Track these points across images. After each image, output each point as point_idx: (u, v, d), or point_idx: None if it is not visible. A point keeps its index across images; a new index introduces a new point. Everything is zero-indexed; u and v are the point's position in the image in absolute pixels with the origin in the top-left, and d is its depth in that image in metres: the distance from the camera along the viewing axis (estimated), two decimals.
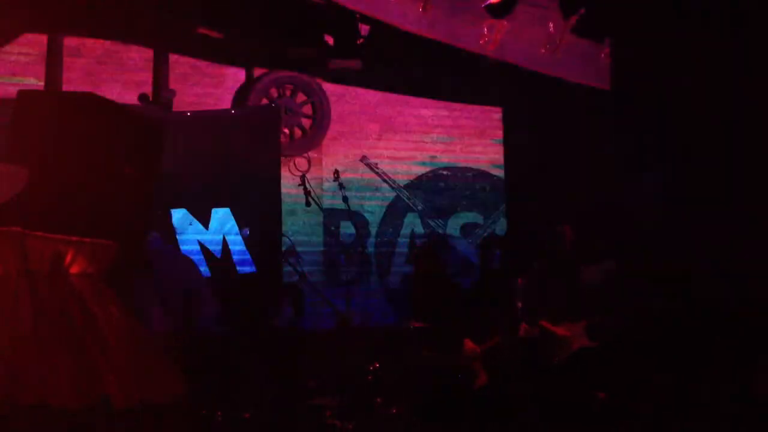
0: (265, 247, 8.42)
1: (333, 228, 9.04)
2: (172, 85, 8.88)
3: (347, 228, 9.15)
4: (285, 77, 9.37)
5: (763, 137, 7.54)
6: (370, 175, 9.79)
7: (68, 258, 3.93)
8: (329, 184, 9.06)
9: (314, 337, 8.04)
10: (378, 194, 9.85)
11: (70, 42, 8.51)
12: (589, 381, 6.83)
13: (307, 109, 9.47)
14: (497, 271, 7.61)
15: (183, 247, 8.22)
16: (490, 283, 7.64)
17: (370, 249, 9.61)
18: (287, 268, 8.02)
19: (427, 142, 10.09)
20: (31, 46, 8.41)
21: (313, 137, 9.48)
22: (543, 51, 8.58)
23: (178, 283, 6.56)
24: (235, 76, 9.27)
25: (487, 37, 8.25)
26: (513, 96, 9.85)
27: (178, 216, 8.28)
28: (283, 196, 8.71)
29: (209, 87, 9.15)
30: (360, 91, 9.81)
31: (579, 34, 8.67)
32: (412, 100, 10.03)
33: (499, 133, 10.38)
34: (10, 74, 8.30)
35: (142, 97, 8.63)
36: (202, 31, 8.70)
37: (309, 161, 9.34)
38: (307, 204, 7.24)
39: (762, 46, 7.56)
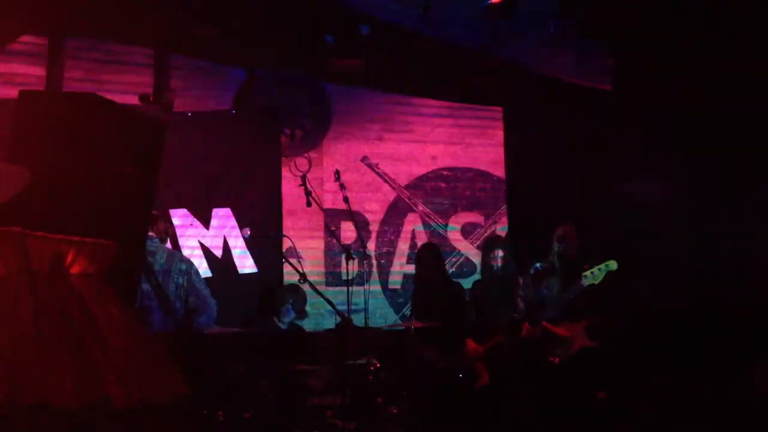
0: (266, 248, 8.43)
1: (334, 228, 9.04)
2: (173, 86, 8.87)
3: (348, 228, 9.15)
4: (286, 77, 9.37)
5: (764, 137, 7.54)
6: (370, 176, 9.80)
7: (69, 258, 3.92)
8: (330, 185, 9.07)
9: (315, 337, 8.05)
10: (379, 195, 9.85)
11: (71, 42, 8.51)
12: (590, 381, 6.83)
13: (308, 109, 9.48)
14: (499, 270, 7.60)
15: (183, 248, 8.23)
16: (493, 283, 7.64)
17: (371, 249, 9.61)
18: (288, 269, 8.02)
19: (427, 143, 10.09)
20: (31, 46, 8.41)
21: (314, 137, 9.49)
22: (544, 51, 8.58)
23: (177, 284, 6.55)
24: (236, 76, 9.27)
25: (488, 37, 8.25)
26: (514, 96, 9.85)
27: (179, 216, 8.29)
28: (283, 196, 8.72)
29: (210, 87, 9.16)
30: (361, 91, 9.81)
31: (580, 33, 8.68)
32: (412, 100, 10.03)
33: (500, 134, 10.38)
34: (11, 75, 8.31)
35: (143, 98, 8.62)
36: (203, 31, 8.68)
37: (309, 161, 9.34)
38: (308, 204, 7.24)
39: (762, 46, 7.56)
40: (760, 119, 7.58)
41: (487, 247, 7.90)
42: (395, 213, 9.91)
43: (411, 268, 9.47)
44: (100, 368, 3.75)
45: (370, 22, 8.38)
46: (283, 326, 7.65)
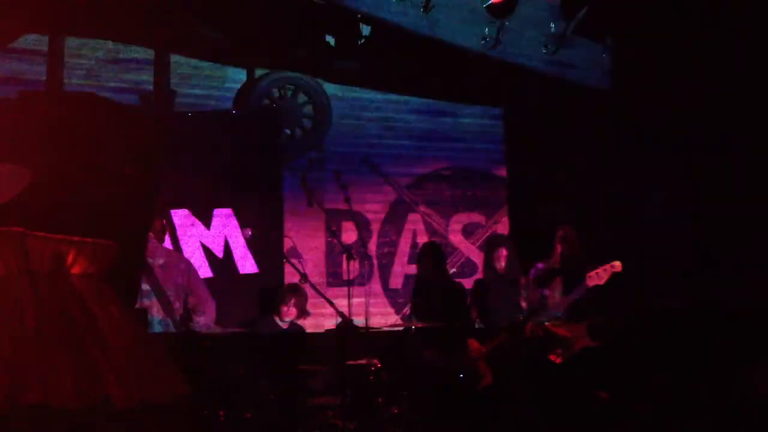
0: (267, 248, 8.43)
1: (334, 229, 9.03)
2: (173, 86, 8.89)
3: (349, 229, 9.15)
4: (286, 78, 9.37)
5: (764, 137, 7.54)
6: (371, 176, 9.79)
7: (69, 258, 3.93)
8: (331, 185, 9.06)
9: (316, 337, 8.04)
10: (380, 195, 9.84)
11: (71, 42, 8.52)
12: (591, 381, 6.83)
13: (308, 110, 9.48)
14: (503, 270, 7.59)
15: (184, 248, 8.23)
16: (495, 283, 7.63)
17: (372, 249, 9.61)
18: (289, 269, 8.02)
19: (428, 143, 10.09)
20: (32, 46, 8.41)
21: (315, 138, 9.49)
22: (545, 51, 8.59)
23: (177, 285, 6.56)
24: (236, 76, 9.28)
25: (488, 37, 8.25)
26: (514, 96, 9.85)
27: (180, 216, 8.29)
28: (284, 197, 8.72)
29: (210, 88, 9.16)
30: (361, 91, 9.81)
31: (580, 33, 8.68)
32: (413, 100, 10.03)
33: (501, 134, 10.38)
34: (12, 75, 8.31)
35: (143, 98, 8.64)
36: (203, 31, 8.70)
37: (310, 162, 9.34)
38: (309, 204, 7.25)
39: (763, 46, 7.56)
40: (760, 119, 7.57)
41: (491, 246, 7.88)
42: (396, 213, 9.90)
43: (412, 269, 9.47)
44: (100, 368, 3.76)
45: (370, 23, 8.39)
46: (284, 325, 7.65)
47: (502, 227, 10.15)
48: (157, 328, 6.31)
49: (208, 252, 8.41)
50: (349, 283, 7.27)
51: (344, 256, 7.51)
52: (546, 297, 7.28)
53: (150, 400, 3.89)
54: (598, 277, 6.90)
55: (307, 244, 9.19)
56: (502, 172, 10.33)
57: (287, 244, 8.27)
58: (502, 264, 7.60)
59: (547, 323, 6.99)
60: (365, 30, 8.68)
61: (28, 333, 3.65)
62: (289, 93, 9.40)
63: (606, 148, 8.80)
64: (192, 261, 7.73)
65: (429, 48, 8.42)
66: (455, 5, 8.12)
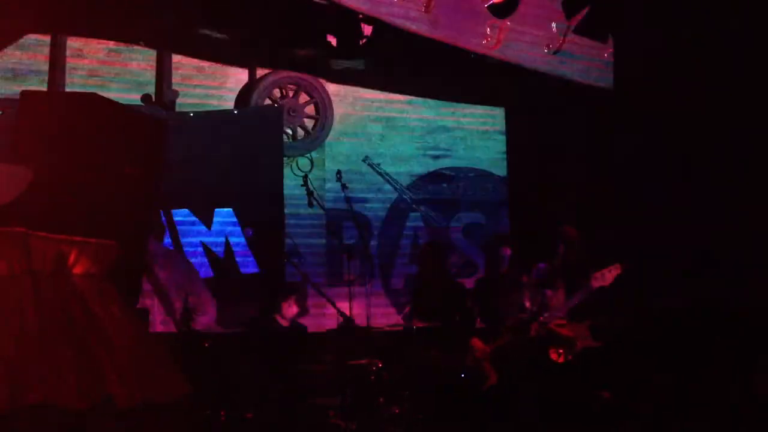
0: (268, 248, 8.43)
1: (335, 228, 9.04)
2: (175, 86, 8.89)
3: (350, 228, 9.15)
4: (288, 78, 9.38)
5: (764, 136, 7.53)
6: (372, 176, 9.80)
7: (71, 258, 3.93)
8: (332, 185, 9.07)
9: (317, 337, 8.05)
10: (380, 194, 9.85)
11: (73, 42, 8.53)
12: (593, 381, 6.83)
13: (310, 110, 9.48)
14: (506, 269, 7.56)
15: (186, 248, 8.24)
16: (497, 282, 7.60)
17: (373, 249, 9.61)
18: (290, 269, 8.03)
19: (429, 143, 10.09)
20: (34, 46, 8.42)
21: (316, 137, 9.49)
22: (546, 51, 8.59)
23: (178, 284, 6.56)
24: (238, 76, 9.28)
25: (489, 37, 8.26)
26: (515, 96, 9.86)
27: (181, 216, 8.29)
28: (285, 197, 8.72)
29: (212, 88, 9.16)
30: (363, 91, 9.82)
31: (582, 33, 8.68)
32: (414, 100, 10.04)
33: (502, 134, 10.39)
34: (14, 75, 8.32)
35: (145, 98, 8.65)
36: (205, 31, 8.70)
37: (311, 161, 9.34)
38: (310, 204, 7.24)
39: (763, 45, 7.56)
40: (760, 118, 7.57)
41: (494, 245, 7.83)
42: (397, 213, 9.91)
43: (413, 268, 9.48)
44: (102, 368, 3.77)
45: (371, 22, 8.39)
46: (285, 323, 7.65)
47: (503, 227, 10.15)
48: (159, 328, 6.31)
49: (209, 252, 8.41)
50: (350, 283, 7.27)
51: (345, 255, 7.52)
52: (549, 297, 7.28)
53: (151, 400, 3.89)
54: (603, 278, 6.90)
55: (308, 244, 9.19)
56: (503, 172, 10.34)
57: (288, 244, 8.27)
58: (505, 264, 7.57)
59: (550, 324, 6.98)
60: (366, 30, 8.68)
61: (31, 333, 3.65)
62: (291, 93, 9.41)
63: (607, 147, 8.80)
64: (193, 261, 7.74)
65: (430, 48, 8.42)
66: (456, 5, 8.12)
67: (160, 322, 6.34)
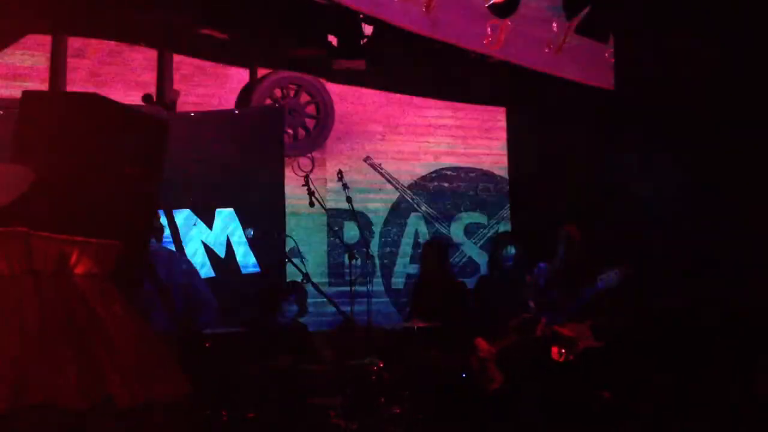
0: (269, 248, 8.43)
1: (336, 228, 9.05)
2: (176, 86, 8.90)
3: (351, 228, 9.16)
4: (289, 77, 9.38)
5: (765, 136, 7.53)
6: (373, 176, 9.81)
7: (73, 258, 3.93)
8: (333, 185, 9.08)
9: (318, 337, 8.05)
10: (382, 195, 9.86)
11: (74, 42, 8.53)
12: (594, 381, 6.83)
13: (311, 110, 9.49)
14: (511, 268, 7.53)
15: (187, 248, 8.24)
16: (501, 281, 7.58)
17: (374, 249, 9.62)
18: (291, 269, 8.02)
19: (430, 143, 10.10)
20: (34, 46, 8.43)
21: (317, 138, 9.49)
22: (547, 51, 8.59)
23: (179, 284, 6.56)
24: (239, 76, 9.29)
25: (490, 37, 8.26)
26: (517, 96, 9.86)
27: (182, 216, 8.29)
28: (286, 197, 8.72)
29: (213, 87, 9.17)
30: (364, 91, 9.83)
31: (583, 33, 8.68)
32: (415, 100, 10.05)
33: (503, 134, 10.40)
34: (14, 75, 8.33)
35: (146, 98, 8.65)
36: (206, 31, 8.71)
37: (312, 161, 9.34)
38: (311, 204, 7.24)
39: (764, 44, 7.56)
40: (761, 118, 7.57)
41: (499, 243, 7.78)
42: (398, 213, 9.92)
43: (414, 268, 9.50)
44: (104, 368, 3.77)
45: (372, 22, 8.39)
46: (284, 321, 7.64)
47: (504, 227, 10.16)
48: (161, 328, 6.30)
49: (210, 252, 8.41)
50: (351, 283, 7.28)
51: (346, 255, 7.52)
52: (554, 297, 7.28)
53: (154, 400, 3.89)
54: (609, 279, 6.90)
55: (309, 244, 9.19)
56: (504, 171, 10.35)
57: (289, 244, 8.26)
58: (510, 262, 7.53)
59: (553, 323, 6.99)
60: (367, 30, 8.68)
61: (32, 333, 3.65)
62: (292, 93, 9.41)
63: (608, 147, 8.80)
64: (194, 261, 7.73)
65: (431, 48, 8.43)
66: (457, 5, 8.12)
67: (161, 322, 6.33)
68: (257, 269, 8.51)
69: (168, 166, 5.08)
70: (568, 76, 8.75)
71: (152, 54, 8.85)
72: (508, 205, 10.30)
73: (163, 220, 7.70)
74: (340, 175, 7.49)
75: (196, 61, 9.06)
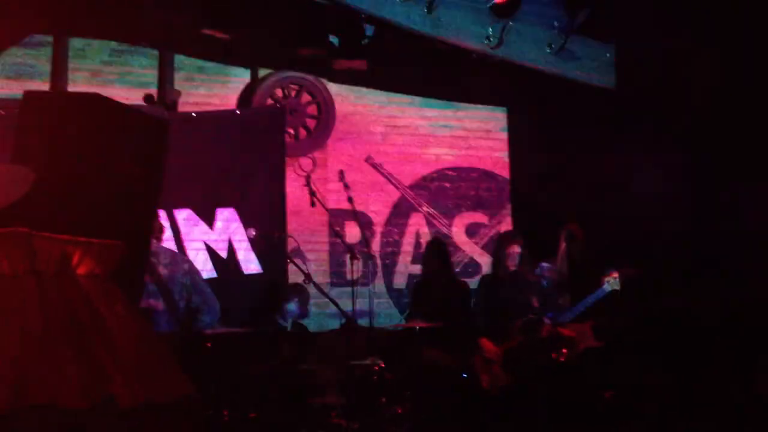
0: (270, 248, 8.43)
1: (338, 228, 9.05)
2: (177, 86, 8.90)
3: (352, 228, 9.15)
4: (290, 78, 9.38)
5: (766, 135, 7.53)
6: (374, 176, 9.81)
7: (75, 258, 3.93)
8: (334, 185, 9.08)
9: (319, 337, 8.05)
10: (383, 194, 9.86)
11: (75, 43, 8.53)
12: (596, 381, 6.83)
13: (312, 110, 9.49)
14: (515, 267, 7.49)
15: (188, 248, 8.24)
16: (505, 281, 7.54)
17: (375, 249, 9.61)
18: (292, 269, 8.03)
19: (431, 143, 10.10)
20: (36, 46, 8.43)
21: (318, 138, 9.50)
22: (548, 51, 8.59)
23: (180, 284, 6.56)
24: (240, 76, 9.29)
25: (491, 37, 8.26)
26: (518, 96, 9.86)
27: (183, 216, 8.29)
28: (288, 197, 8.73)
29: (214, 87, 9.17)
30: (365, 91, 9.83)
31: (584, 33, 8.68)
32: (416, 100, 10.05)
33: (504, 134, 10.39)
34: (16, 75, 8.33)
35: (147, 98, 8.65)
36: (207, 31, 8.71)
37: (314, 161, 9.34)
38: (312, 204, 7.26)
39: (764, 45, 7.56)
40: (762, 117, 7.56)
41: (504, 242, 7.68)
42: (399, 213, 9.91)
43: (415, 268, 9.50)
44: (106, 368, 3.77)
45: (373, 22, 8.40)
46: (286, 324, 7.65)
47: (505, 227, 10.15)
48: (163, 328, 6.31)
49: (211, 252, 8.42)
50: (353, 283, 7.28)
51: (348, 255, 7.52)
52: (557, 298, 7.28)
53: (155, 400, 3.89)
54: (615, 281, 6.90)
55: (310, 244, 9.19)
56: (506, 171, 10.34)
57: (291, 244, 8.27)
58: (515, 261, 7.46)
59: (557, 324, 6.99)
60: (369, 30, 8.68)
61: (34, 333, 3.65)
62: (293, 93, 9.41)
63: (609, 147, 8.79)
64: (195, 261, 7.73)
65: (432, 47, 8.43)
66: (459, 5, 8.12)
67: (163, 322, 6.34)
68: (258, 269, 8.51)
69: (169, 167, 5.08)
70: (569, 75, 8.75)
71: (153, 54, 8.85)
72: (509, 205, 10.29)
73: (164, 221, 7.71)
74: (342, 175, 7.50)
75: (198, 62, 9.06)
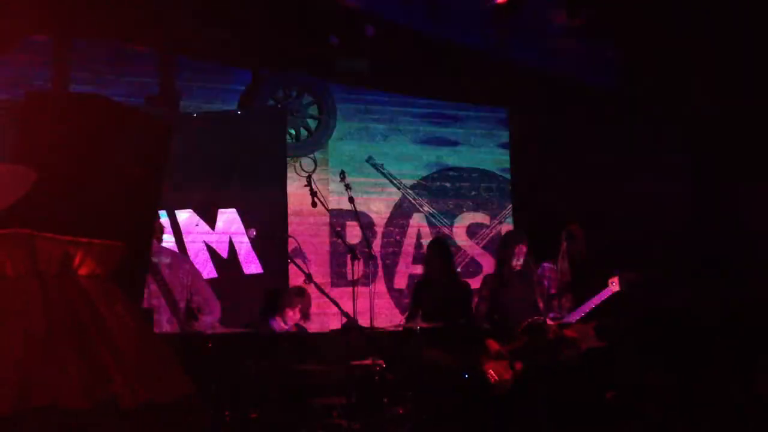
0: (271, 248, 8.44)
1: (339, 229, 9.05)
2: (179, 87, 8.90)
3: (353, 229, 9.16)
4: (291, 78, 9.39)
5: (766, 138, 7.54)
6: (376, 176, 9.81)
7: (77, 259, 3.93)
8: (335, 185, 9.09)
9: (320, 337, 8.05)
10: (384, 195, 9.86)
11: (77, 43, 8.54)
12: (598, 381, 6.83)
13: (313, 110, 9.50)
14: (519, 267, 7.46)
15: (189, 248, 8.25)
16: (509, 280, 7.52)
17: (377, 250, 9.62)
18: (293, 269, 8.03)
19: (432, 143, 10.10)
20: (38, 47, 8.44)
21: (319, 138, 9.51)
22: (549, 51, 8.59)
23: (182, 284, 6.57)
24: (242, 77, 9.30)
25: (492, 37, 8.27)
26: (519, 96, 9.86)
27: (184, 217, 8.30)
28: (289, 197, 8.74)
29: (216, 88, 9.18)
30: (366, 91, 9.83)
31: (585, 33, 8.68)
32: (417, 100, 10.05)
33: (505, 134, 10.40)
34: (17, 76, 8.33)
35: (149, 99, 8.66)
36: (209, 32, 8.71)
37: (315, 162, 9.35)
38: (313, 204, 7.24)
39: (764, 45, 7.56)
40: (762, 117, 7.57)
41: (509, 242, 7.62)
42: (400, 213, 9.92)
43: (416, 269, 9.51)
44: (108, 369, 3.77)
45: (374, 23, 8.40)
46: (287, 327, 7.65)
47: (506, 227, 10.16)
48: (165, 328, 6.32)
49: (212, 252, 8.43)
50: (354, 284, 7.28)
51: (348, 256, 7.52)
52: (560, 299, 7.27)
53: (157, 400, 3.89)
54: (618, 283, 6.90)
55: (311, 244, 9.20)
56: (507, 172, 10.35)
57: (292, 244, 8.27)
58: (520, 261, 7.41)
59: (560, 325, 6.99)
60: (370, 30, 8.68)
61: (37, 334, 3.65)
62: (294, 93, 9.42)
63: (610, 148, 8.81)
64: (196, 261, 7.75)
65: (433, 48, 8.44)
66: (460, 6, 8.13)
67: (165, 322, 6.34)
68: (259, 269, 8.52)
69: (170, 167, 5.09)
70: (570, 75, 8.76)
71: (155, 54, 8.85)
72: (510, 205, 10.30)
73: (165, 221, 7.72)
74: (343, 175, 7.49)
75: (199, 62, 9.06)
